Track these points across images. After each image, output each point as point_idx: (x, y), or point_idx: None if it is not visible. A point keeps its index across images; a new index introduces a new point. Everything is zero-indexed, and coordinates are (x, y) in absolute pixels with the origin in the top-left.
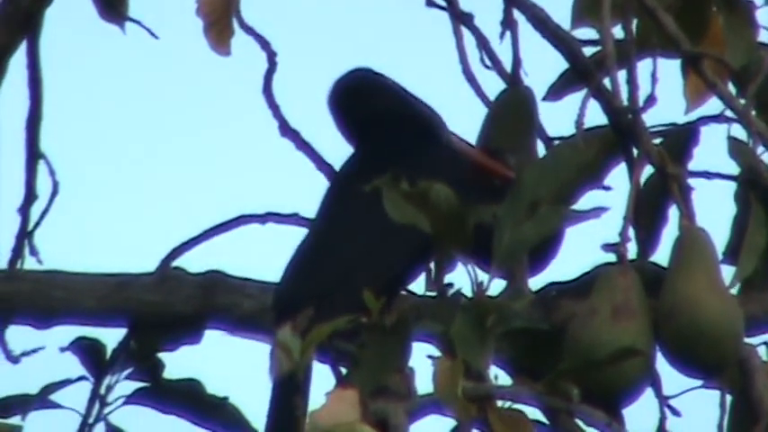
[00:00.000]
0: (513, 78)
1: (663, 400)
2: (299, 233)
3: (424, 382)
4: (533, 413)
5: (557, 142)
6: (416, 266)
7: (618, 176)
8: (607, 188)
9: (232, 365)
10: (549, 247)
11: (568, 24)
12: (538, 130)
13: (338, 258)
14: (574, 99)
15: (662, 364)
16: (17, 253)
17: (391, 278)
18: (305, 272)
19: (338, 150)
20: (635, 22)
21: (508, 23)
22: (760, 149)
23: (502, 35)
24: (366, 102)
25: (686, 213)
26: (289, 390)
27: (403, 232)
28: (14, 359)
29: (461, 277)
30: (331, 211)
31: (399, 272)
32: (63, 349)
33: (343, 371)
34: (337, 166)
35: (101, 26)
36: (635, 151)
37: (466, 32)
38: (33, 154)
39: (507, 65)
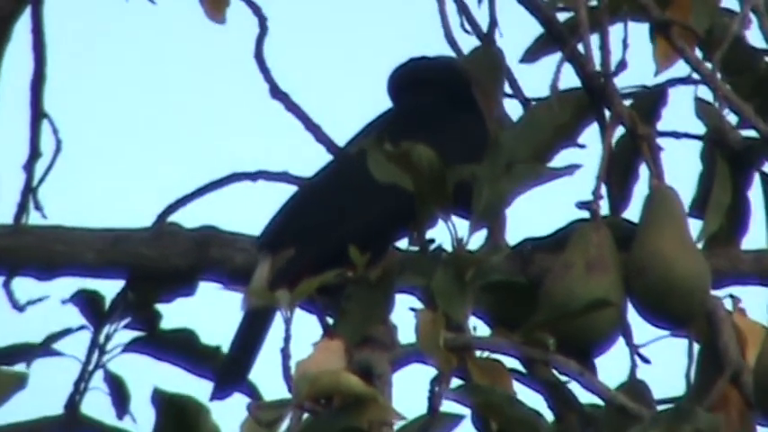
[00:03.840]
0: (487, 38)
1: (633, 349)
2: (289, 190)
3: (406, 332)
4: (511, 362)
5: (533, 103)
6: (398, 225)
7: (591, 137)
8: (581, 146)
9: (225, 316)
10: None
11: None
12: (514, 90)
13: (318, 209)
14: (549, 63)
15: (633, 316)
16: (22, 208)
17: (371, 233)
18: (290, 216)
19: (326, 112)
20: None
21: None
22: (725, 110)
23: (480, 1)
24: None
25: (656, 172)
26: (253, 323)
27: (384, 191)
28: (20, 308)
29: (442, 233)
30: (327, 167)
31: (378, 228)
32: (64, 301)
33: (330, 322)
34: (327, 127)
35: None
36: (607, 113)
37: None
38: (37, 114)
39: (485, 29)
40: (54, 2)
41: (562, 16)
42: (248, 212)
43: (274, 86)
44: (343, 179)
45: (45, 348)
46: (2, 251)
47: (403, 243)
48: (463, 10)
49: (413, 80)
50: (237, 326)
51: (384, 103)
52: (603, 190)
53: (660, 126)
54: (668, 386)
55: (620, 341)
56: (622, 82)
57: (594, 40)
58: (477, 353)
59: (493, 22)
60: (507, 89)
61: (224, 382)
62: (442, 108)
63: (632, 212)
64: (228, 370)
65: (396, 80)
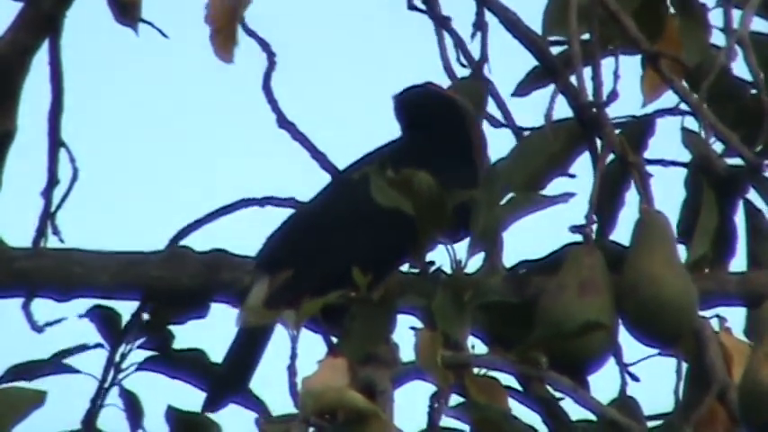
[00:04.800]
0: (475, 71)
1: (624, 368)
2: None
3: (407, 351)
4: (507, 380)
5: (527, 133)
6: (396, 249)
7: (582, 165)
8: (572, 176)
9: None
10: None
11: (538, 26)
12: (508, 120)
13: (319, 232)
14: (542, 95)
15: (623, 335)
16: (41, 232)
17: (370, 256)
18: (290, 238)
19: (330, 141)
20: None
21: (479, 25)
22: (711, 139)
23: (473, 35)
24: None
25: (645, 197)
26: (249, 340)
27: (384, 217)
28: (39, 329)
29: (441, 256)
30: (327, 190)
31: (377, 251)
32: (81, 316)
33: (334, 341)
34: (331, 155)
35: (116, 28)
36: (598, 142)
37: (445, 34)
38: (55, 143)
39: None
40: (71, 35)
41: (555, 49)
42: (257, 237)
43: (281, 117)
44: (342, 203)
45: (59, 360)
46: (21, 273)
47: (404, 265)
48: (460, 45)
49: (418, 108)
50: (231, 342)
51: (384, 132)
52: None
53: (649, 154)
54: (657, 403)
55: (611, 360)
56: (613, 113)
57: (587, 72)
58: (475, 370)
59: (484, 57)
60: (501, 119)
61: (216, 396)
62: (436, 146)
63: (620, 236)
64: (221, 385)
65: (404, 103)
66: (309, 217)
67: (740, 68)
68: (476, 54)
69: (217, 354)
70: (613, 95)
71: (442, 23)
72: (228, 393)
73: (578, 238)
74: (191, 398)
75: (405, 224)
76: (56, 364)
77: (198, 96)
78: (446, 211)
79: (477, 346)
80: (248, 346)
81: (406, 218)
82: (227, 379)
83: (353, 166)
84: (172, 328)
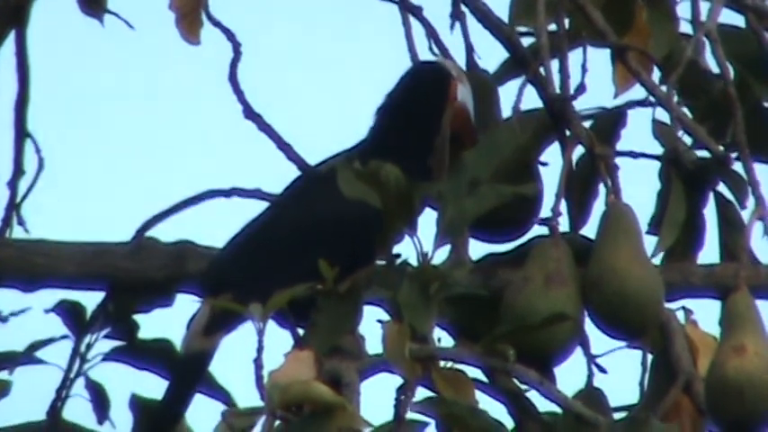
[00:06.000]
0: (469, 64)
1: (591, 359)
2: (261, 206)
3: (374, 343)
4: (474, 372)
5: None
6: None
7: (551, 156)
8: (544, 163)
9: None
10: (531, 211)
11: (507, 18)
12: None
13: (265, 253)
14: (513, 86)
15: (590, 327)
16: (6, 223)
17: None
18: (236, 256)
19: (297, 132)
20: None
21: (457, 15)
22: (680, 132)
23: (452, 26)
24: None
25: (613, 190)
26: (191, 366)
27: (338, 238)
28: (3, 319)
29: (408, 248)
30: (280, 202)
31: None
32: (47, 311)
33: (301, 333)
34: (298, 146)
35: (82, 18)
36: (567, 133)
37: (415, 24)
38: (21, 133)
39: (454, 53)
40: (37, 26)
41: (526, 41)
42: (223, 227)
43: (248, 108)
44: (293, 216)
45: (28, 356)
46: None
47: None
48: (432, 34)
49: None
50: (175, 367)
51: (351, 123)
52: (563, 207)
53: (619, 146)
54: (623, 394)
55: (578, 351)
56: (583, 104)
57: (555, 64)
58: (442, 363)
59: (469, 48)
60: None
61: (160, 423)
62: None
63: (589, 229)
64: (164, 411)
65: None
66: (256, 233)
67: (710, 62)
68: (448, 43)
69: None
70: (581, 88)
71: (412, 12)
72: (171, 420)
73: (545, 230)
74: (157, 388)
75: (364, 234)
76: (21, 355)
77: (164, 87)
78: (413, 203)
79: (443, 338)
80: (189, 369)
81: (366, 226)
82: (169, 406)
83: (314, 169)
84: (137, 317)
